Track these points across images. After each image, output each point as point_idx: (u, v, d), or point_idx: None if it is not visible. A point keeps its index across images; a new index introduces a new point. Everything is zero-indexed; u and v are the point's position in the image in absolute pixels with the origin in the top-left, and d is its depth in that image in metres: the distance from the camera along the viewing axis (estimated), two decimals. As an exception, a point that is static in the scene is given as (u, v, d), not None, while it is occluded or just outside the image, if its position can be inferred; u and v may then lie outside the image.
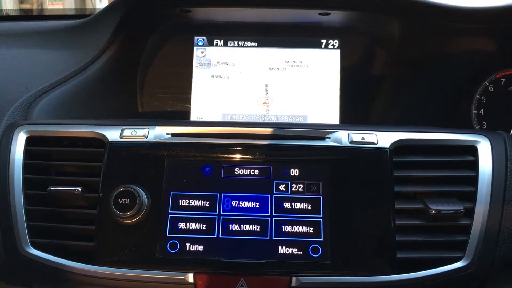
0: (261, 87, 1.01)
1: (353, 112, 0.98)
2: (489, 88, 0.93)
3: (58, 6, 5.01)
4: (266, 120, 1.00)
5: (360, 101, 0.99)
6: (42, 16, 1.60)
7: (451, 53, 0.92)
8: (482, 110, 0.93)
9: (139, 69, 1.01)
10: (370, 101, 1.00)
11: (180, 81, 1.01)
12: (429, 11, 0.85)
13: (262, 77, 1.01)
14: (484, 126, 0.93)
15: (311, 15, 0.93)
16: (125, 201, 0.64)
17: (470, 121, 0.93)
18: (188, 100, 1.00)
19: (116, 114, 0.95)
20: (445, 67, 0.94)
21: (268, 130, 0.70)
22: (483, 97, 0.93)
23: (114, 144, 0.69)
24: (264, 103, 1.01)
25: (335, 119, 0.99)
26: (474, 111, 0.93)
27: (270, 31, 1.00)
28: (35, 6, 5.32)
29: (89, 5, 5.16)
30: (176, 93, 1.01)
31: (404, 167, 0.68)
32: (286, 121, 0.99)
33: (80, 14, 1.16)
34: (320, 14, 0.92)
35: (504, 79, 0.93)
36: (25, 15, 1.74)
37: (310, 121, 0.99)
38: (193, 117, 1.00)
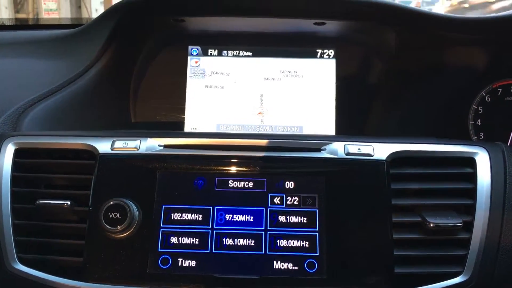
0: (256, 97, 0.99)
1: (349, 122, 0.97)
2: (486, 98, 0.92)
3: (54, 16, 5.01)
4: (261, 130, 0.98)
5: (356, 112, 0.98)
6: (36, 25, 1.59)
7: (448, 63, 0.92)
8: (479, 120, 0.92)
9: (132, 79, 1.00)
10: (366, 112, 0.99)
11: (174, 91, 0.99)
12: (425, 21, 0.84)
13: (257, 87, 1.00)
14: (481, 137, 0.92)
15: (306, 24, 0.93)
16: (115, 215, 0.63)
17: (467, 132, 0.92)
18: (182, 110, 0.99)
19: (108, 125, 0.94)
20: (442, 77, 0.93)
21: (262, 142, 0.69)
22: (480, 107, 0.92)
23: (105, 156, 0.68)
24: (259, 113, 0.99)
25: (331, 130, 0.98)
26: (471, 122, 0.92)
27: (265, 40, 0.99)
28: (31, 16, 5.33)
29: (85, 15, 5.17)
30: (170, 103, 1.00)
31: (402, 180, 0.67)
32: (281, 132, 0.98)
33: (75, 24, 1.15)
34: (315, 23, 0.92)
35: (500, 89, 0.92)
36: (19, 25, 1.73)
37: (305, 131, 0.98)
38: (187, 128, 0.99)
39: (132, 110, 1.00)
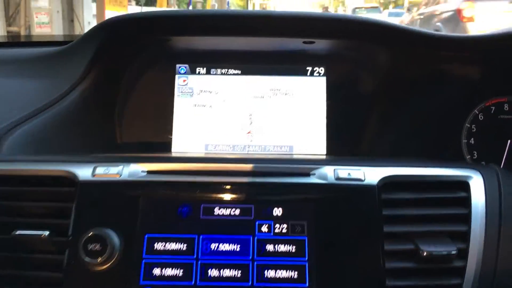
0: (245, 116, 0.97)
1: (341, 141, 0.95)
2: (479, 116, 0.90)
3: (46, 29, 5.01)
4: (250, 150, 0.96)
5: (347, 130, 0.96)
6: (23, 43, 1.57)
7: (440, 81, 0.90)
8: (472, 139, 0.90)
9: (118, 99, 0.97)
10: (358, 130, 0.97)
11: (161, 110, 0.97)
12: (416, 40, 0.83)
13: (246, 105, 0.98)
14: (475, 156, 0.90)
15: (295, 43, 0.91)
16: (95, 246, 0.60)
17: (461, 151, 0.91)
18: (169, 130, 0.97)
19: (94, 146, 0.91)
20: (434, 95, 0.91)
21: (249, 167, 0.67)
22: (473, 125, 0.90)
23: (86, 183, 0.65)
24: (248, 132, 0.97)
25: (322, 149, 0.96)
26: (464, 140, 0.90)
27: (254, 58, 0.98)
28: (22, 29, 5.31)
29: (77, 29, 5.16)
30: (157, 123, 0.97)
31: (394, 205, 0.64)
32: (271, 152, 0.96)
33: (63, 41, 1.13)
34: (304, 42, 0.90)
35: (494, 107, 0.90)
36: (4, 42, 1.71)
37: (296, 151, 0.96)
38: (174, 148, 0.96)
39: (118, 131, 0.98)
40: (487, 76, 0.89)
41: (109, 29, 0.87)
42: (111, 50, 0.91)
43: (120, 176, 0.66)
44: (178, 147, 0.97)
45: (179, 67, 0.99)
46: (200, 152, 0.96)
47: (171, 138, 0.96)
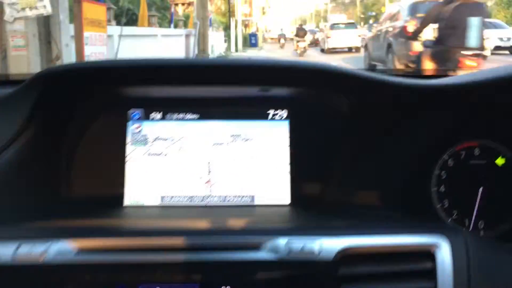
0: (203, 165, 0.91)
1: (305, 189, 0.89)
2: (448, 162, 0.85)
3: (22, 52, 4.90)
4: (209, 202, 0.89)
5: (312, 177, 0.90)
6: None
7: (407, 126, 0.85)
8: (442, 186, 0.85)
9: (64, 150, 0.90)
10: (323, 176, 0.91)
11: (112, 161, 0.90)
12: (374, 87, 0.77)
13: (204, 153, 0.91)
14: (445, 205, 0.84)
15: (252, 90, 0.85)
16: None
17: (430, 199, 0.85)
18: (121, 182, 0.90)
19: (35, 203, 0.83)
20: (401, 141, 0.86)
21: (194, 241, 0.60)
22: (442, 172, 0.85)
23: (4, 267, 0.57)
24: (207, 181, 0.91)
25: (285, 198, 0.90)
26: (433, 189, 0.85)
27: (213, 104, 0.92)
28: (-2, 53, 5.19)
29: (54, 52, 5.06)
30: (108, 175, 0.90)
31: (353, 281, 0.58)
32: (231, 202, 0.89)
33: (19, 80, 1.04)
34: (260, 90, 0.84)
35: (464, 152, 0.85)
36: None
37: (257, 201, 0.90)
38: (127, 202, 0.89)
39: (65, 184, 0.90)
40: (456, 120, 0.84)
41: (48, 80, 0.80)
42: (55, 98, 0.84)
43: (46, 255, 0.58)
44: (131, 199, 0.90)
45: (132, 112, 0.92)
46: (155, 205, 0.89)
47: (123, 191, 0.89)
